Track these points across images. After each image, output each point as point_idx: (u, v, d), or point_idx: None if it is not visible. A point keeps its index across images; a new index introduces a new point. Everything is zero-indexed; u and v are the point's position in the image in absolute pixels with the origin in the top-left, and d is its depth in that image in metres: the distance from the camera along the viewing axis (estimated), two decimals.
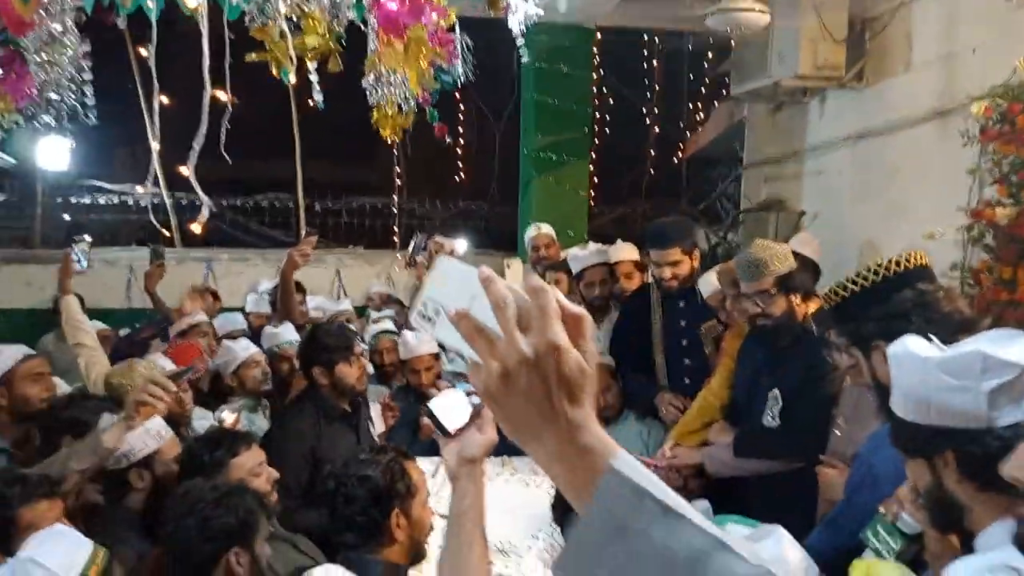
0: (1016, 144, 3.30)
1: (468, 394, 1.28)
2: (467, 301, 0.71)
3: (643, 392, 3.53)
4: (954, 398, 1.29)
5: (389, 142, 4.27)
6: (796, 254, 3.26)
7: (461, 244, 5.15)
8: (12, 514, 1.89)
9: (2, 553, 1.73)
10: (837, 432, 2.59)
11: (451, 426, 1.28)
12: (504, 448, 3.05)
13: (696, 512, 0.67)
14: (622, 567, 0.64)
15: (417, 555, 1.97)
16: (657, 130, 7.41)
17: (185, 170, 3.08)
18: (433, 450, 2.06)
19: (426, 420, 1.35)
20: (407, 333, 3.82)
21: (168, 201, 7.04)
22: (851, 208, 4.87)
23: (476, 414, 1.28)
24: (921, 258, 1.94)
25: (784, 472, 2.77)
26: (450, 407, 1.30)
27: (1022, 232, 3.27)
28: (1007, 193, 3.39)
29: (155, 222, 6.38)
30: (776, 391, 2.87)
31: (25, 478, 1.99)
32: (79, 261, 3.69)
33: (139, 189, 6.49)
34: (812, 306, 3.04)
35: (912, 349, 1.37)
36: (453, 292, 0.73)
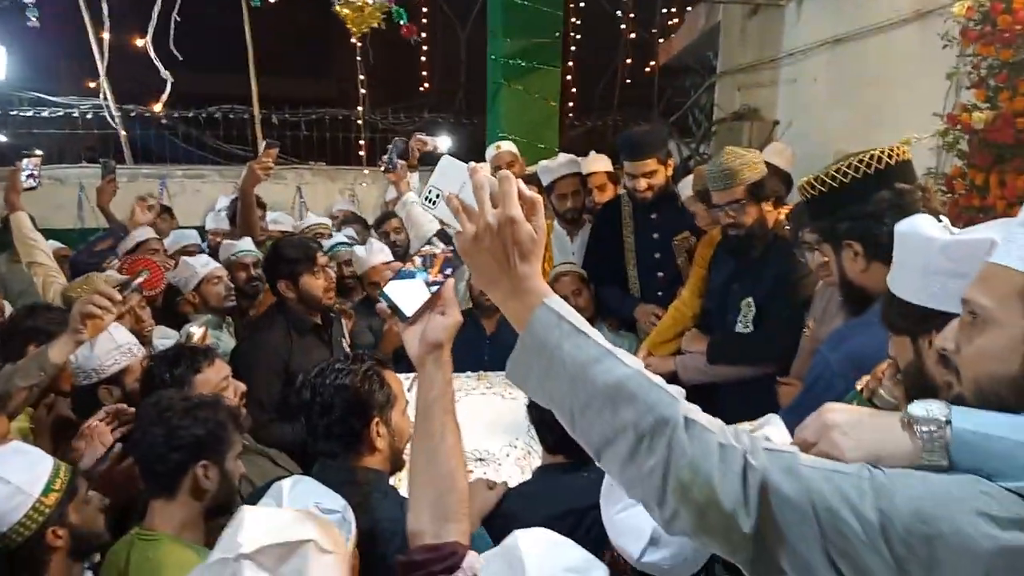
0: (996, 45, 3.24)
1: (429, 284, 1.23)
2: (458, 188, 0.99)
3: (617, 304, 3.51)
4: (952, 283, 1.26)
5: (356, 43, 4.03)
6: (766, 163, 3.33)
7: (444, 140, 5.01)
8: None
9: None
10: (806, 332, 2.62)
11: (408, 309, 1.23)
12: (480, 364, 3.05)
13: (600, 335, 0.94)
14: (544, 373, 0.94)
15: (396, 464, 1.95)
16: (631, 36, 7.13)
17: (141, 42, 2.88)
18: (399, 366, 2.01)
19: (383, 306, 1.30)
20: (357, 248, 3.76)
21: (116, 115, 6.70)
22: (826, 116, 4.80)
23: (437, 297, 1.23)
24: (904, 153, 1.88)
25: (757, 377, 2.80)
26: (406, 291, 1.24)
27: (997, 137, 3.24)
28: (984, 97, 3.35)
29: (117, 127, 6.06)
30: (750, 299, 2.86)
31: None
32: (32, 175, 3.50)
33: (91, 85, 6.10)
34: (783, 212, 3.01)
35: (919, 228, 1.33)
36: (449, 181, 1.01)
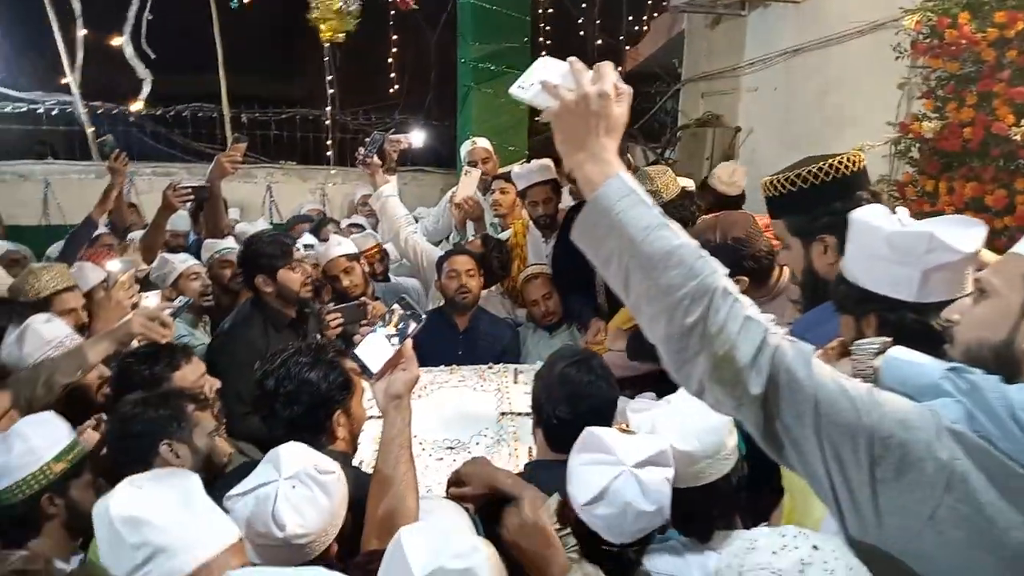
0: (944, 58, 3.41)
1: (388, 337, 1.53)
2: (557, 79, 1.14)
3: (578, 311, 3.52)
4: (892, 269, 1.40)
5: (325, 48, 4.06)
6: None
7: (417, 136, 5.09)
8: None
9: None
10: None
11: (374, 367, 1.53)
12: (453, 359, 3.10)
13: (659, 209, 1.07)
14: (607, 231, 1.07)
15: (353, 447, 1.99)
16: (598, 43, 7.27)
17: (118, 40, 2.90)
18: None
19: (352, 364, 1.62)
20: (319, 244, 3.69)
21: (83, 111, 6.63)
22: (786, 123, 4.97)
23: (399, 355, 1.53)
24: (862, 160, 1.97)
25: None
26: (373, 350, 1.53)
27: (945, 145, 3.41)
28: (933, 107, 3.53)
29: (84, 124, 5.98)
30: None
31: None
32: None
33: (68, 77, 6.03)
34: None
35: (870, 217, 1.45)
36: (547, 74, 1.16)
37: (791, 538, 0.89)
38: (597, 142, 1.10)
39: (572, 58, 1.14)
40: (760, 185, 2.04)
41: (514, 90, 1.18)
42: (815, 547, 0.87)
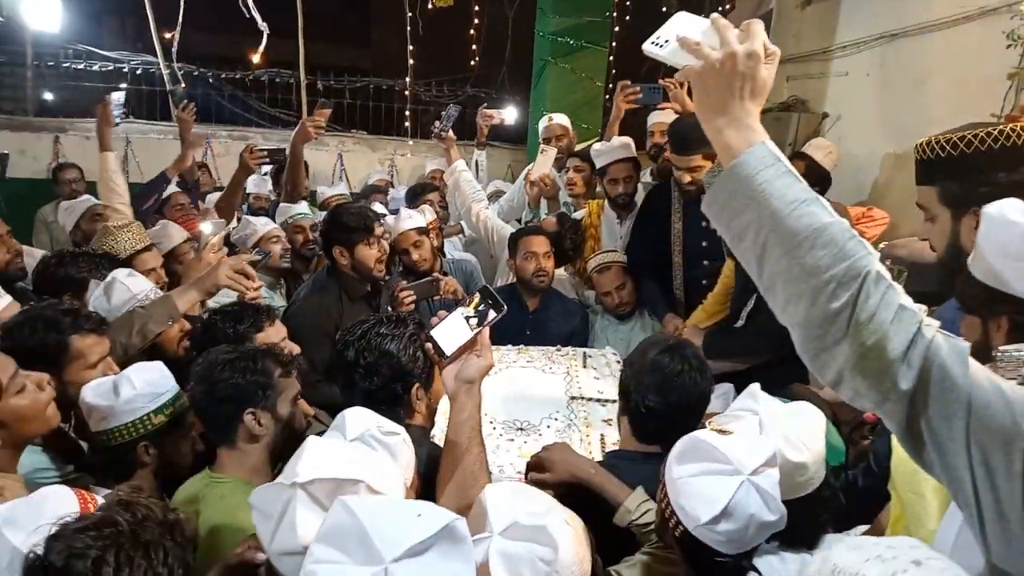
0: None
1: (467, 318, 1.50)
2: (697, 36, 1.04)
3: (657, 300, 3.40)
4: None
5: (408, 17, 4.05)
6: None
7: (510, 112, 5.00)
8: (65, 341, 1.94)
9: (55, 377, 1.81)
10: None
11: (448, 349, 1.51)
12: (522, 339, 3.05)
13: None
14: (746, 202, 0.98)
15: (432, 421, 1.97)
16: None
17: None
18: None
19: (429, 345, 1.56)
20: (389, 216, 3.68)
21: (165, 72, 6.77)
22: (876, 112, 4.74)
23: (474, 341, 1.51)
24: None
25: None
26: (449, 332, 1.52)
27: None
28: None
29: (167, 84, 6.16)
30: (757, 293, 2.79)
31: (77, 311, 2.03)
32: (122, 107, 3.58)
33: (154, 37, 6.16)
34: None
35: (1007, 212, 1.34)
36: (686, 29, 1.06)
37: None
38: (741, 106, 1.00)
39: (715, 15, 1.04)
40: (914, 147, 1.84)
41: (647, 47, 1.09)
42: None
